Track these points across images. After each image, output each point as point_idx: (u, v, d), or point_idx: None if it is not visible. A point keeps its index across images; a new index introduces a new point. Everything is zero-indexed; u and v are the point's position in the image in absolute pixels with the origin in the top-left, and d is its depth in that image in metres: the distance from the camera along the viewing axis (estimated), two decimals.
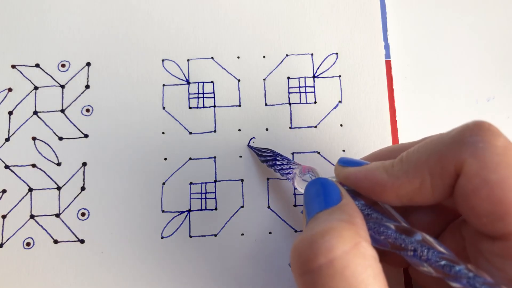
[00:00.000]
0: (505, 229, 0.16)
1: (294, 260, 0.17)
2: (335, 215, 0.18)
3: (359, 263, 0.15)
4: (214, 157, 0.29)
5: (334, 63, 0.30)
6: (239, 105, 0.30)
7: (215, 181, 0.29)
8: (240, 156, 0.29)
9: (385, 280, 0.16)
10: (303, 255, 0.16)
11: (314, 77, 0.30)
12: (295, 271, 0.17)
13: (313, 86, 0.30)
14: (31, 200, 0.28)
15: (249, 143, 0.29)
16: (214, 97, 0.30)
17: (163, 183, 0.29)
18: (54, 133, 0.29)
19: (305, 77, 0.30)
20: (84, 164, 0.29)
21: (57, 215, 0.28)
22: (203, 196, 0.28)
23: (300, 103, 0.30)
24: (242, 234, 0.28)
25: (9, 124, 0.30)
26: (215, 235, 0.28)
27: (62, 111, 0.30)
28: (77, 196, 0.28)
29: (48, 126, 0.30)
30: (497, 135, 0.16)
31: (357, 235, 0.16)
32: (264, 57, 0.30)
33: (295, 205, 0.28)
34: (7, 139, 0.29)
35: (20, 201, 0.28)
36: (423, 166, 0.18)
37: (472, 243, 0.18)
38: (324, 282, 0.15)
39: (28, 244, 0.28)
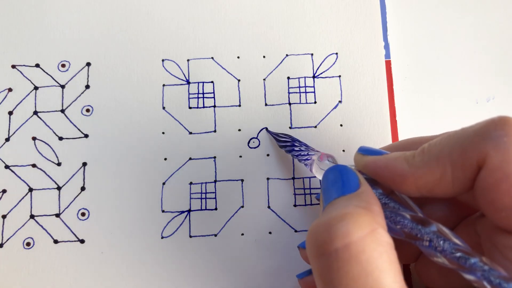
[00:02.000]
0: None
1: (311, 243, 0.17)
2: (353, 201, 0.18)
3: (374, 248, 0.16)
4: (214, 157, 0.29)
5: (334, 63, 0.30)
6: (239, 105, 0.30)
7: (215, 181, 0.29)
8: (240, 156, 0.29)
9: (399, 268, 0.16)
10: (319, 238, 0.16)
11: (314, 77, 0.30)
12: (311, 253, 0.17)
13: (313, 86, 0.30)
14: (31, 200, 0.28)
15: (248, 142, 0.29)
16: (214, 97, 0.30)
17: (163, 183, 0.29)
18: (54, 133, 0.29)
19: (305, 77, 0.30)
20: (84, 164, 0.29)
21: (57, 215, 0.28)
22: (203, 196, 0.28)
23: (300, 103, 0.30)
24: (242, 234, 0.28)
25: (9, 124, 0.30)
26: (215, 235, 0.28)
27: (62, 111, 0.30)
28: (77, 196, 0.28)
29: (48, 126, 0.30)
30: None
31: (374, 222, 0.16)
32: (264, 57, 0.30)
33: (295, 205, 0.28)
34: (7, 139, 0.29)
35: (20, 201, 0.28)
36: (445, 157, 0.18)
37: (488, 238, 0.18)
38: (339, 266, 0.15)
39: (28, 244, 0.28)
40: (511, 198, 0.16)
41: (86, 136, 0.29)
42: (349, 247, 0.16)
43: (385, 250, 0.16)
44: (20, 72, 0.30)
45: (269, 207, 0.28)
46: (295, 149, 0.26)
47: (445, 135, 0.19)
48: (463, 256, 0.16)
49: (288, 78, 0.30)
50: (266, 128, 0.29)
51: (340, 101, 0.30)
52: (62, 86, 0.30)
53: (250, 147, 0.29)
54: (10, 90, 0.30)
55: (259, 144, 0.29)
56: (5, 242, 0.28)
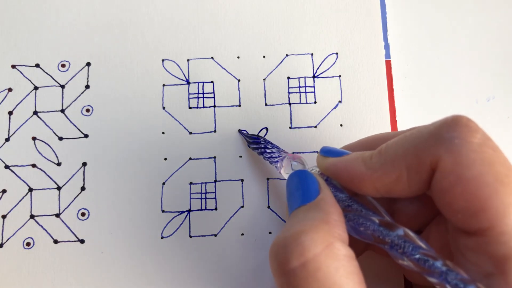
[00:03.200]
0: (479, 225, 0.16)
1: (271, 261, 0.18)
2: (311, 212, 0.18)
3: (330, 264, 0.16)
4: (214, 157, 0.29)
5: (334, 63, 0.30)
6: (239, 105, 0.30)
7: (215, 181, 0.29)
8: (240, 156, 0.29)
9: (360, 277, 0.16)
10: (278, 257, 0.17)
11: (314, 77, 0.30)
12: (273, 272, 0.17)
13: (313, 86, 0.30)
14: (31, 200, 0.28)
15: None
16: (214, 97, 0.30)
17: (163, 183, 0.29)
18: (54, 133, 0.29)
19: (305, 77, 0.30)
20: (84, 164, 0.29)
21: (57, 215, 0.28)
22: (203, 196, 0.28)
23: (300, 103, 0.30)
24: (242, 234, 0.28)
25: (9, 124, 0.30)
26: (215, 235, 0.28)
27: (62, 111, 0.30)
28: (77, 196, 0.28)
29: (48, 126, 0.30)
30: (474, 131, 0.16)
31: (330, 236, 0.17)
32: (264, 57, 0.30)
33: None
34: (7, 139, 0.29)
35: (20, 201, 0.28)
36: (400, 160, 0.18)
37: (452, 238, 0.18)
38: (298, 284, 0.16)
39: (28, 244, 0.28)
40: (466, 200, 0.16)
41: (86, 136, 0.29)
42: (305, 266, 0.16)
43: (341, 264, 0.16)
44: (20, 72, 0.30)
45: (269, 207, 0.28)
46: (267, 151, 0.26)
47: (402, 136, 0.18)
48: (423, 258, 0.16)
49: (288, 78, 0.30)
50: (239, 130, 0.29)
51: (340, 101, 0.30)
52: (62, 86, 0.30)
53: (250, 147, 0.29)
54: (10, 90, 0.30)
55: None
56: (5, 242, 0.28)
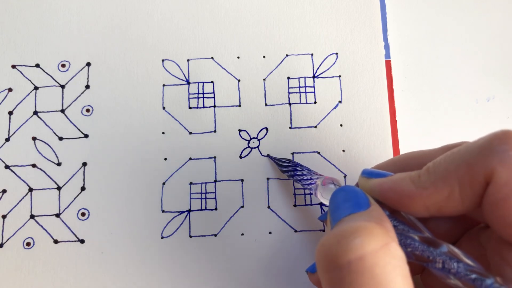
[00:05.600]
0: None
1: (322, 255, 0.17)
2: (364, 217, 0.18)
3: (389, 262, 0.15)
4: (214, 157, 0.29)
5: (334, 63, 0.30)
6: (239, 105, 0.30)
7: (215, 181, 0.29)
8: (240, 156, 0.29)
9: (412, 282, 0.16)
10: (332, 250, 0.16)
11: (314, 77, 0.30)
12: (322, 267, 0.17)
13: (313, 86, 0.30)
14: (31, 200, 0.28)
15: (248, 142, 0.29)
16: (214, 97, 0.30)
17: (163, 183, 0.29)
18: (54, 133, 0.29)
19: (305, 77, 0.30)
20: (84, 164, 0.29)
21: (57, 215, 0.28)
22: (203, 196, 0.28)
23: (300, 103, 0.30)
24: (242, 234, 0.28)
25: (9, 124, 0.30)
26: (215, 235, 0.28)
27: (62, 111, 0.30)
28: (77, 196, 0.28)
29: (48, 126, 0.30)
30: None
31: (387, 236, 0.16)
32: (264, 57, 0.30)
33: (295, 205, 0.28)
34: (7, 139, 0.29)
35: (20, 201, 0.28)
36: (451, 175, 0.18)
37: (496, 251, 0.18)
38: (353, 279, 0.15)
39: (28, 244, 0.28)
40: None
41: (86, 136, 0.29)
42: (363, 260, 0.15)
43: (398, 264, 0.16)
44: (20, 72, 0.30)
45: (269, 207, 0.28)
46: (297, 173, 0.26)
47: (449, 153, 0.18)
48: (479, 278, 0.16)
49: (288, 78, 0.30)
50: (268, 155, 0.29)
51: (340, 101, 0.30)
52: (62, 86, 0.30)
53: (250, 147, 0.29)
54: (10, 90, 0.30)
55: (259, 144, 0.29)
56: (5, 242, 0.28)
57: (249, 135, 0.29)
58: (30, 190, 0.29)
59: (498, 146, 0.17)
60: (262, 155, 0.29)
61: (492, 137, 0.17)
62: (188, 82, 0.30)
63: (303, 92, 0.30)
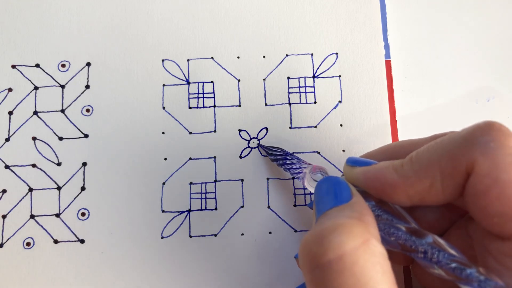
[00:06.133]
0: None
1: (304, 255, 0.17)
2: (346, 212, 0.18)
3: (368, 259, 0.16)
4: (214, 157, 0.29)
5: (334, 63, 0.30)
6: (239, 105, 0.30)
7: (215, 181, 0.29)
8: (240, 156, 0.29)
9: (393, 278, 0.16)
10: (312, 250, 0.16)
11: (314, 77, 0.30)
12: (304, 266, 0.17)
13: (313, 86, 0.30)
14: (31, 200, 0.28)
15: (248, 142, 0.29)
16: (214, 97, 0.30)
17: (163, 183, 0.29)
18: (54, 133, 0.29)
19: (305, 77, 0.30)
20: (84, 164, 0.29)
21: (57, 215, 0.28)
22: (203, 196, 0.28)
23: (300, 103, 0.30)
24: (242, 234, 0.28)
25: (9, 124, 0.30)
26: (215, 235, 0.28)
27: (62, 111, 0.30)
28: (77, 196, 0.28)
29: (48, 126, 0.30)
30: (508, 135, 0.17)
31: (367, 232, 0.16)
32: (264, 57, 0.30)
33: (295, 205, 0.28)
34: (7, 139, 0.29)
35: (20, 201, 0.28)
36: (434, 165, 0.18)
37: (481, 242, 0.18)
38: (333, 278, 0.15)
39: (28, 244, 0.28)
40: (502, 204, 0.16)
41: (86, 136, 0.29)
42: (342, 259, 0.15)
43: (378, 261, 0.16)
44: (20, 72, 0.30)
45: (269, 207, 0.28)
46: (287, 162, 0.26)
47: (432, 143, 0.18)
48: (459, 267, 0.16)
49: (288, 78, 0.30)
50: (259, 143, 0.29)
51: (340, 101, 0.30)
52: (62, 86, 0.30)
53: (250, 147, 0.29)
54: (10, 90, 0.30)
55: (259, 144, 0.29)
56: (5, 242, 0.28)
57: (249, 135, 0.29)
58: (30, 190, 0.29)
59: (480, 137, 0.17)
60: (262, 155, 0.29)
61: (475, 128, 0.17)
62: (188, 82, 0.30)
63: (303, 92, 0.30)
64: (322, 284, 0.16)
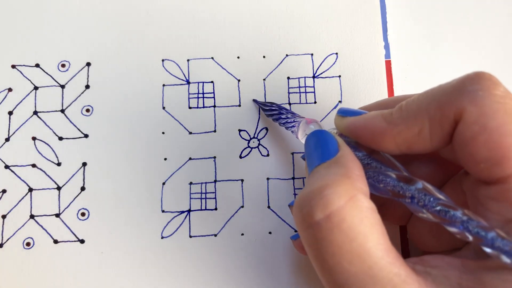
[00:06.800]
0: (501, 173, 0.16)
1: (296, 217, 0.18)
2: (332, 168, 0.18)
3: (355, 215, 0.16)
4: (214, 157, 0.29)
5: (334, 63, 0.30)
6: (239, 105, 0.30)
7: (215, 181, 0.29)
8: (240, 156, 0.29)
9: (383, 229, 0.17)
10: (302, 211, 0.17)
11: (314, 77, 0.30)
12: (298, 226, 0.18)
13: (313, 86, 0.30)
14: (31, 200, 0.28)
15: (248, 142, 0.29)
16: (214, 97, 0.30)
17: (163, 183, 0.29)
18: (54, 133, 0.29)
19: (305, 77, 0.30)
20: (84, 164, 0.29)
21: (57, 215, 0.28)
22: (203, 196, 0.28)
23: (300, 103, 0.30)
24: (242, 234, 0.28)
25: (9, 124, 0.30)
26: (215, 235, 0.28)
27: (62, 111, 0.30)
28: (77, 196, 0.28)
29: (48, 126, 0.30)
30: (497, 84, 0.17)
31: (353, 188, 0.17)
32: (264, 57, 0.30)
33: None
34: (7, 139, 0.29)
35: (20, 201, 0.28)
36: (422, 113, 0.18)
37: (471, 193, 0.19)
38: (323, 236, 0.16)
39: (28, 244, 0.28)
40: (489, 150, 0.16)
41: (86, 136, 0.29)
42: (330, 218, 0.16)
43: (365, 215, 0.17)
44: (20, 72, 0.30)
45: (269, 207, 0.28)
46: (282, 116, 0.26)
47: (422, 92, 0.19)
48: (443, 209, 0.17)
49: (288, 78, 0.30)
50: (254, 99, 0.29)
51: (340, 101, 0.30)
52: (62, 86, 0.30)
53: (250, 147, 0.29)
54: (10, 90, 0.30)
55: (259, 144, 0.29)
56: (5, 242, 0.28)
57: (249, 135, 0.29)
58: (30, 190, 0.29)
59: (469, 86, 0.17)
60: (262, 155, 0.29)
61: (464, 78, 0.18)
62: (188, 82, 0.30)
63: (303, 92, 0.30)
64: (314, 242, 0.17)
